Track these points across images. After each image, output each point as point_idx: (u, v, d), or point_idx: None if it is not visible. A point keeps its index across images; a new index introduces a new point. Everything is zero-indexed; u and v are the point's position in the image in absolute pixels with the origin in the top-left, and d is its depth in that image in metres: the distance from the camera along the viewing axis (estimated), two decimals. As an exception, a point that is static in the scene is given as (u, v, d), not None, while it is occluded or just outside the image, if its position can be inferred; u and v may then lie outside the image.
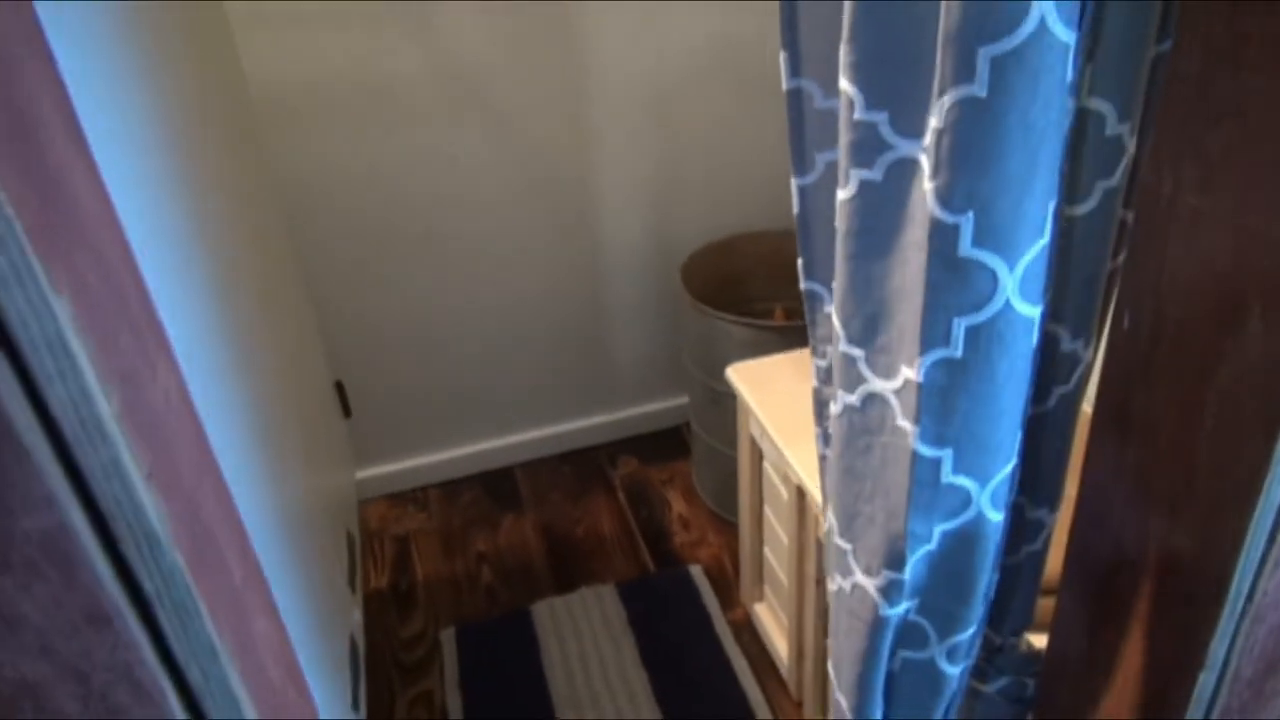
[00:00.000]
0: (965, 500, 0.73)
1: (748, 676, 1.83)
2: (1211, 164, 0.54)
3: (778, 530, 1.72)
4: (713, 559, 2.12)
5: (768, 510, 1.76)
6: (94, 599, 0.42)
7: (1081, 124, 0.68)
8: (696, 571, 2.08)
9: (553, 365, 2.37)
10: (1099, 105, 0.67)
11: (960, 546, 0.75)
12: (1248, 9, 0.50)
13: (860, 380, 0.75)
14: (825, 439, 0.89)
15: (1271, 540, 0.66)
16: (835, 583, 0.86)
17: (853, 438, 0.77)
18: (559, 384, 2.41)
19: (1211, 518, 0.63)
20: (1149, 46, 0.66)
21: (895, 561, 0.76)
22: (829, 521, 0.85)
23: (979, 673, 0.95)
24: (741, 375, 1.68)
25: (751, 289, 2.24)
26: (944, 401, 0.69)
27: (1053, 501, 0.84)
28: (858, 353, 0.74)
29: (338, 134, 1.93)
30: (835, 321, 0.75)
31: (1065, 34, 0.56)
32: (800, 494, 1.52)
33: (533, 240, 2.19)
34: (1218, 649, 0.70)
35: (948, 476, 0.72)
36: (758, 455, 1.72)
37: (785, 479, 1.59)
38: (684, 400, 2.46)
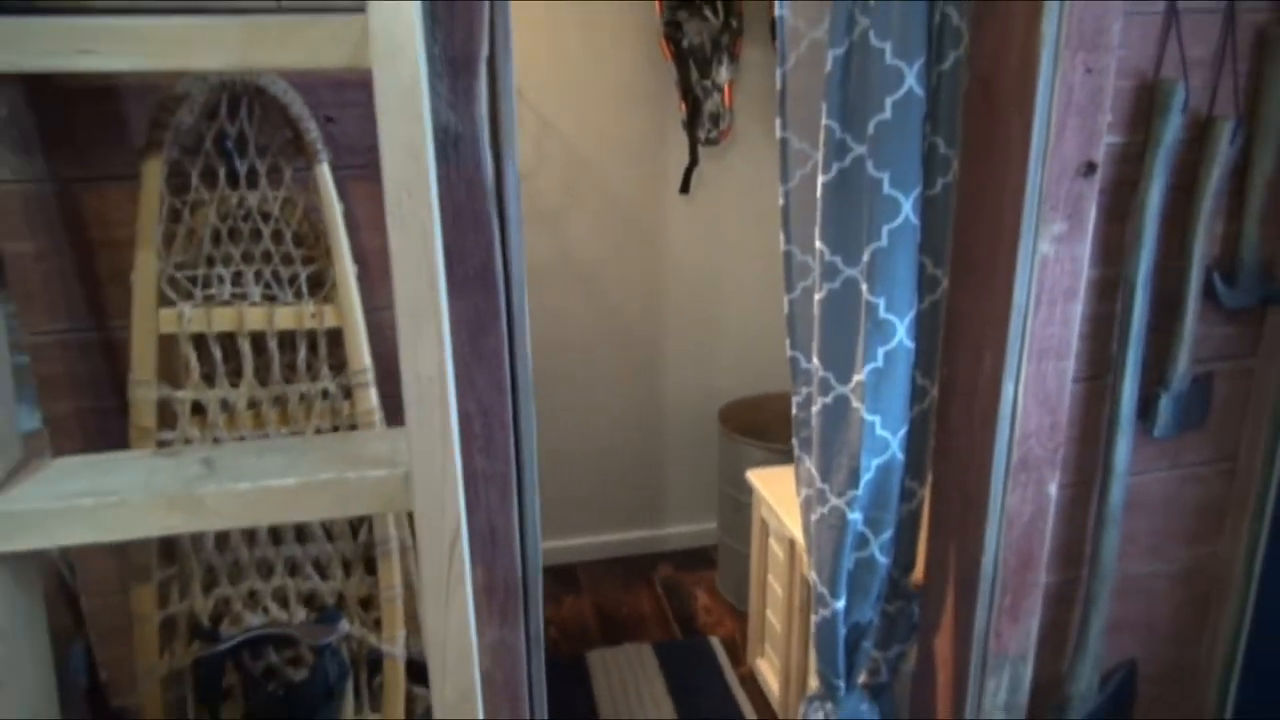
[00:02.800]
0: (886, 445, 1.42)
1: (750, 711, 2.38)
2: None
3: (775, 588, 2.34)
4: (727, 634, 2.71)
5: (770, 577, 2.39)
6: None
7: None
8: (714, 640, 2.67)
9: (611, 484, 3.06)
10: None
11: (883, 475, 1.44)
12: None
13: (831, 388, 1.46)
14: (803, 443, 1.58)
15: (1007, 470, 1.36)
16: (817, 512, 1.53)
17: (828, 421, 1.47)
18: (615, 500, 3.08)
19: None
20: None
21: (854, 483, 1.44)
22: (812, 476, 1.53)
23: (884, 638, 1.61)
24: (757, 476, 2.38)
25: (773, 435, 2.96)
26: (875, 390, 1.40)
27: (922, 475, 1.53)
28: (829, 374, 1.46)
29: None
30: (816, 362, 1.48)
31: (914, 221, 1.33)
32: (792, 546, 2.17)
33: (606, 378, 2.95)
34: (989, 542, 1.38)
35: (879, 430, 1.42)
36: (765, 531, 2.37)
37: (782, 538, 2.24)
38: (714, 525, 3.11)
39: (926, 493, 1.56)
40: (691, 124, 2.74)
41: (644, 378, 2.99)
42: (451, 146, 1.08)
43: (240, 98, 1.03)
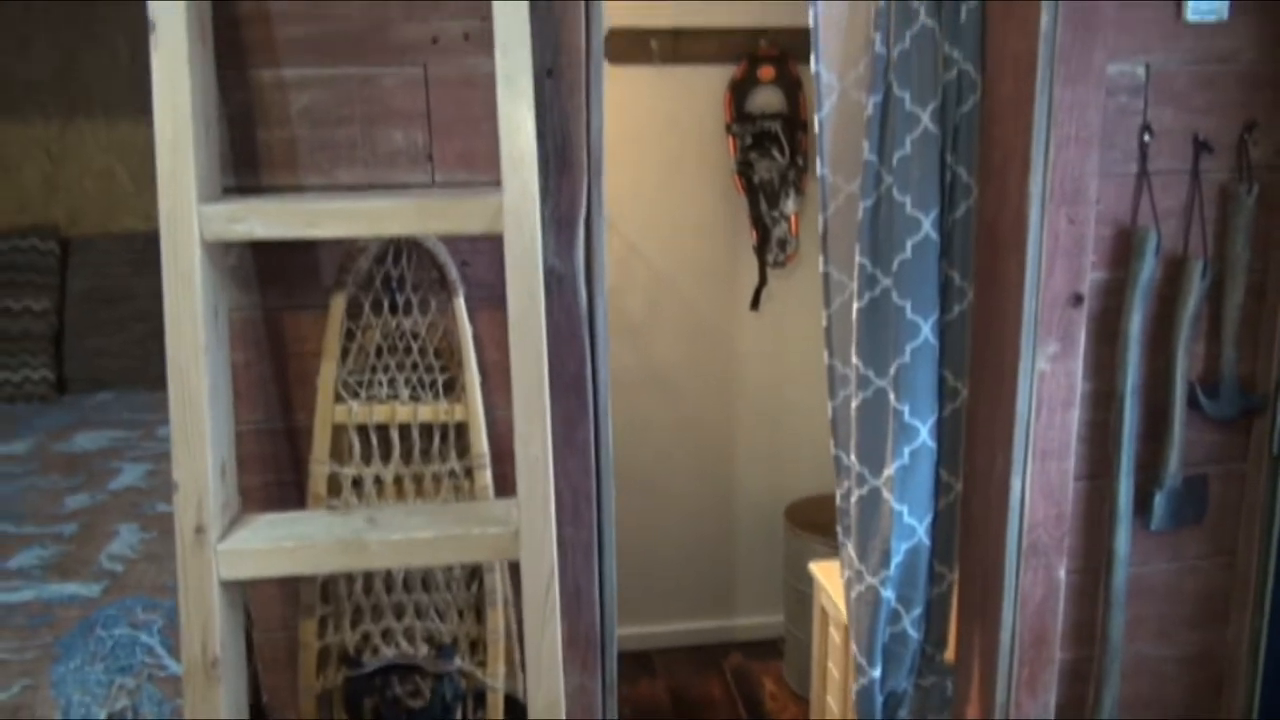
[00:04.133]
0: (913, 531, 1.66)
1: (813, 790, 2.54)
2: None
3: (834, 672, 2.53)
4: (791, 718, 2.88)
5: (830, 663, 2.58)
6: (618, 458, 1.43)
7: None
8: (780, 724, 2.85)
9: (686, 575, 3.29)
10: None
11: (912, 557, 1.67)
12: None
13: (866, 481, 1.72)
14: (844, 530, 1.82)
15: (1019, 555, 1.58)
16: (855, 590, 1.76)
17: (863, 510, 1.72)
18: (689, 590, 3.31)
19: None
20: (984, 352, 1.69)
21: (886, 563, 1.68)
22: (852, 559, 1.77)
23: (920, 675, 1.80)
24: (819, 568, 2.60)
25: (834, 531, 3.17)
26: (902, 483, 1.65)
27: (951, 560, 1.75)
28: (864, 469, 1.72)
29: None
30: (853, 459, 1.74)
31: (933, 341, 1.60)
32: (847, 632, 2.37)
33: (682, 477, 3.22)
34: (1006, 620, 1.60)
35: (906, 518, 1.66)
36: (825, 619, 2.58)
37: (839, 625, 2.44)
38: (781, 616, 3.30)
39: (956, 577, 1.78)
40: (761, 249, 3.07)
41: (717, 477, 3.25)
42: (556, 284, 1.42)
43: (403, 248, 1.39)
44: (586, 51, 1.37)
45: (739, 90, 3.00)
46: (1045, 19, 1.44)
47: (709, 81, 3.00)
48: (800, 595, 2.95)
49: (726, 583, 3.35)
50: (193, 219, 1.15)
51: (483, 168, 1.39)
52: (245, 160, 1.35)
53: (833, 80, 1.69)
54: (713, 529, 3.29)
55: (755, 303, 3.13)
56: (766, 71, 2.98)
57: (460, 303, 1.40)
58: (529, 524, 1.21)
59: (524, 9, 1.20)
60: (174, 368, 1.15)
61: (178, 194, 1.14)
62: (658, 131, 3.02)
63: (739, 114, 3.01)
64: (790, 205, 3.02)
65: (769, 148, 2.99)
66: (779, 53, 2.98)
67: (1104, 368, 1.60)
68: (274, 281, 1.39)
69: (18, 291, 2.62)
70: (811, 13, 1.65)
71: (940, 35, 1.61)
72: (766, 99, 3.02)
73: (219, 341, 1.22)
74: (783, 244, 3.05)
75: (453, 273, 1.39)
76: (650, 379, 3.15)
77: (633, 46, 2.94)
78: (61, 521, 1.74)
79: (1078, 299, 1.54)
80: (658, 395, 3.16)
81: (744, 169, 3.01)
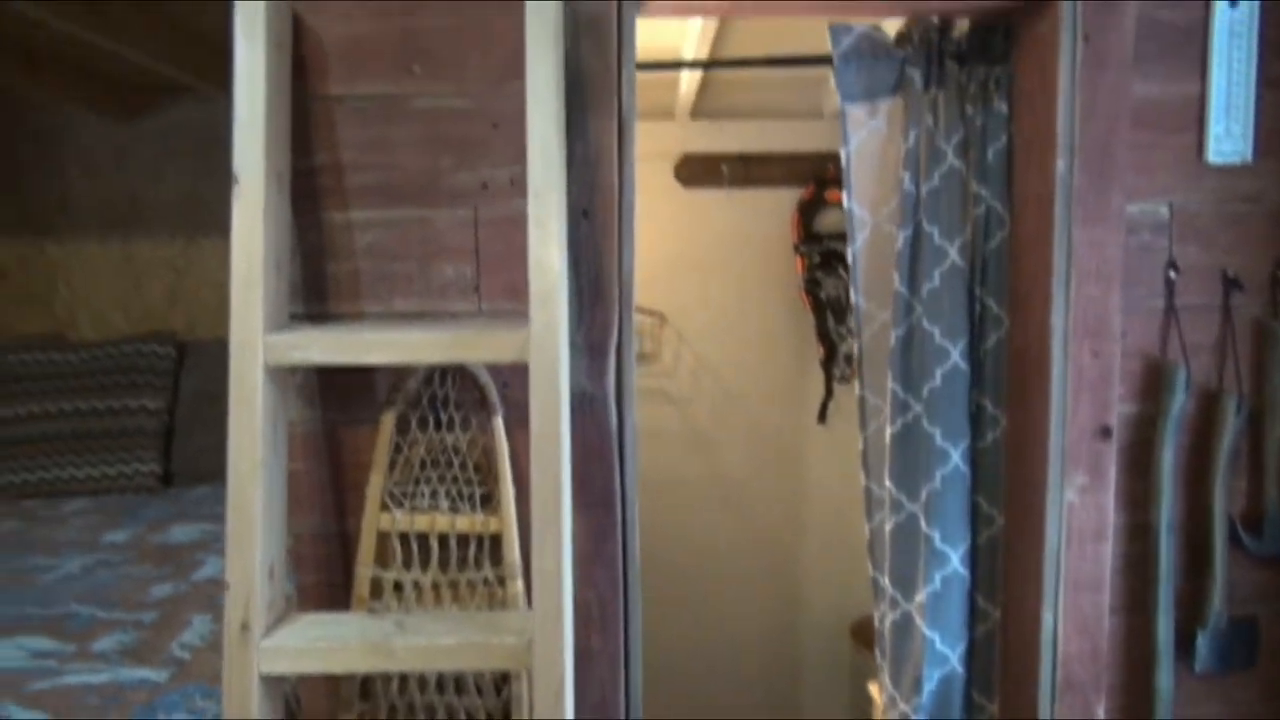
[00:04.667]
0: (946, 659, 1.65)
1: None
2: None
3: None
4: None
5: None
6: (641, 574, 1.49)
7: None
8: None
9: (751, 685, 3.26)
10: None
11: (945, 686, 1.66)
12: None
13: (898, 605, 1.72)
14: (881, 653, 1.82)
15: (1054, 690, 1.55)
16: (891, 715, 1.75)
17: (896, 635, 1.73)
18: (753, 699, 3.27)
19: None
20: (1018, 479, 1.70)
21: (918, 690, 1.67)
22: (886, 683, 1.76)
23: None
24: (876, 687, 2.56)
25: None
26: (934, 610, 1.65)
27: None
28: (897, 593, 1.73)
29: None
30: (887, 582, 1.75)
31: (963, 468, 1.62)
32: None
33: (747, 588, 3.22)
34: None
35: (938, 646, 1.66)
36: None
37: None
38: (847, 738, 3.22)
39: (996, 709, 1.75)
40: (828, 364, 3.12)
41: (782, 590, 3.24)
42: (588, 405, 1.52)
43: (449, 371, 1.52)
44: (619, 194, 1.50)
45: (807, 211, 3.11)
46: (1061, 164, 1.50)
47: (777, 203, 3.12)
48: (863, 713, 2.88)
49: (790, 699, 3.29)
50: (258, 347, 1.30)
51: (524, 297, 1.51)
52: (315, 290, 1.52)
53: (865, 215, 1.77)
54: (777, 644, 3.26)
55: (822, 416, 3.16)
56: (834, 194, 3.09)
57: (499, 422, 1.51)
58: (542, 634, 1.28)
59: (555, 161, 1.34)
60: (233, 478, 1.29)
61: (247, 325, 1.30)
62: (728, 250, 3.15)
63: (807, 234, 3.11)
64: (857, 322, 3.08)
65: (835, 266, 3.07)
66: (846, 176, 3.09)
67: (1137, 501, 1.59)
68: (334, 398, 1.54)
69: (136, 391, 2.88)
70: (844, 153, 1.75)
71: (968, 174, 1.68)
72: (834, 220, 3.11)
73: (275, 455, 1.35)
74: (849, 359, 3.10)
75: (493, 394, 1.51)
76: (717, 490, 3.20)
77: (705, 171, 3.10)
78: (145, 609, 1.90)
79: (1106, 431, 1.55)
80: (724, 506, 3.20)
81: (811, 286, 3.10)
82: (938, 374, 1.67)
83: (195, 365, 3.02)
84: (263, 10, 1.34)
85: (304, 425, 1.53)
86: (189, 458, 2.93)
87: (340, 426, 1.55)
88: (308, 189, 1.49)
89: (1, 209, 3.06)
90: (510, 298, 1.52)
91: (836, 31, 1.70)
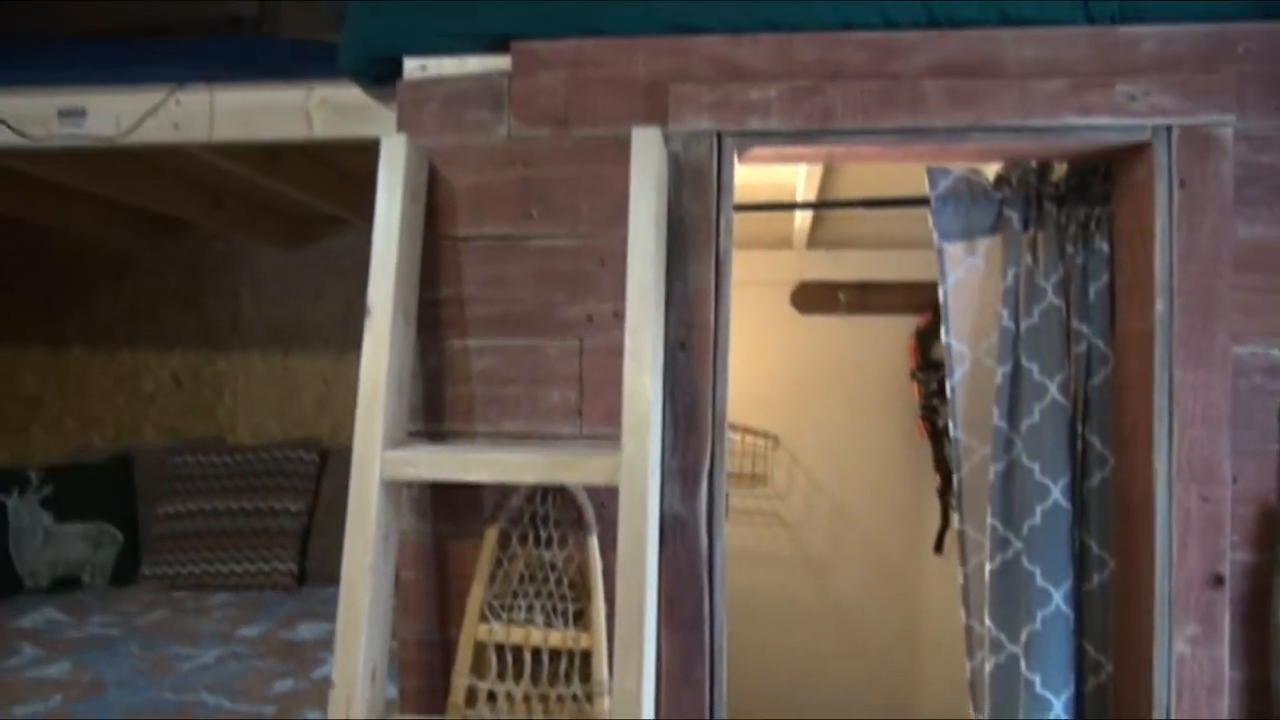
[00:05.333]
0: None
1: None
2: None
3: None
4: None
5: None
6: (726, 700, 1.51)
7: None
8: None
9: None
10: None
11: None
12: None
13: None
14: None
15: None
16: None
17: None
18: None
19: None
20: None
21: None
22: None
23: None
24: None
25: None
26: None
27: None
28: (1002, 739, 1.66)
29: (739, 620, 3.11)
30: (994, 725, 1.69)
31: (1065, 609, 1.58)
32: None
33: (859, 715, 3.11)
34: None
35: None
36: None
37: None
38: None
39: None
40: (944, 492, 3.06)
41: (892, 708, 3.11)
42: (679, 529, 1.57)
43: (549, 490, 1.61)
44: (715, 329, 1.58)
45: (924, 339, 3.12)
46: (1160, 305, 1.50)
47: (894, 330, 3.15)
48: None
49: None
50: (376, 462, 1.43)
51: (620, 422, 1.61)
52: (433, 410, 1.65)
53: (964, 350, 1.79)
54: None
55: (939, 546, 3.08)
56: (952, 321, 3.09)
57: (593, 541, 1.58)
58: (621, 755, 1.31)
59: (652, 298, 1.44)
60: (345, 582, 1.40)
61: (367, 442, 1.44)
62: (843, 375, 3.18)
63: (924, 361, 3.11)
64: (976, 451, 3.02)
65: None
66: (965, 304, 3.09)
67: (1256, 656, 1.50)
68: (444, 511, 1.65)
69: (281, 494, 3.11)
70: (942, 290, 1.79)
71: (1068, 312, 1.69)
72: (953, 347, 3.10)
73: (385, 562, 1.47)
74: (968, 489, 3.03)
75: (589, 513, 1.59)
76: (828, 615, 3.14)
77: (822, 298, 3.17)
78: (267, 702, 2.03)
79: (1218, 580, 1.48)
80: (836, 632, 3.14)
81: (928, 414, 3.07)
82: (1038, 511, 1.64)
83: (335, 470, 3.24)
84: (402, 165, 1.53)
85: (415, 535, 1.65)
86: (323, 558, 3.12)
87: (448, 538, 1.66)
88: (432, 318, 1.65)
89: (184, 326, 3.43)
90: (610, 422, 1.62)
91: (934, 174, 1.77)
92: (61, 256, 3.43)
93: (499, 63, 1.66)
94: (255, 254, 3.40)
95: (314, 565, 3.11)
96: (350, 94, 1.83)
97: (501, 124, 1.65)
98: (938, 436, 3.07)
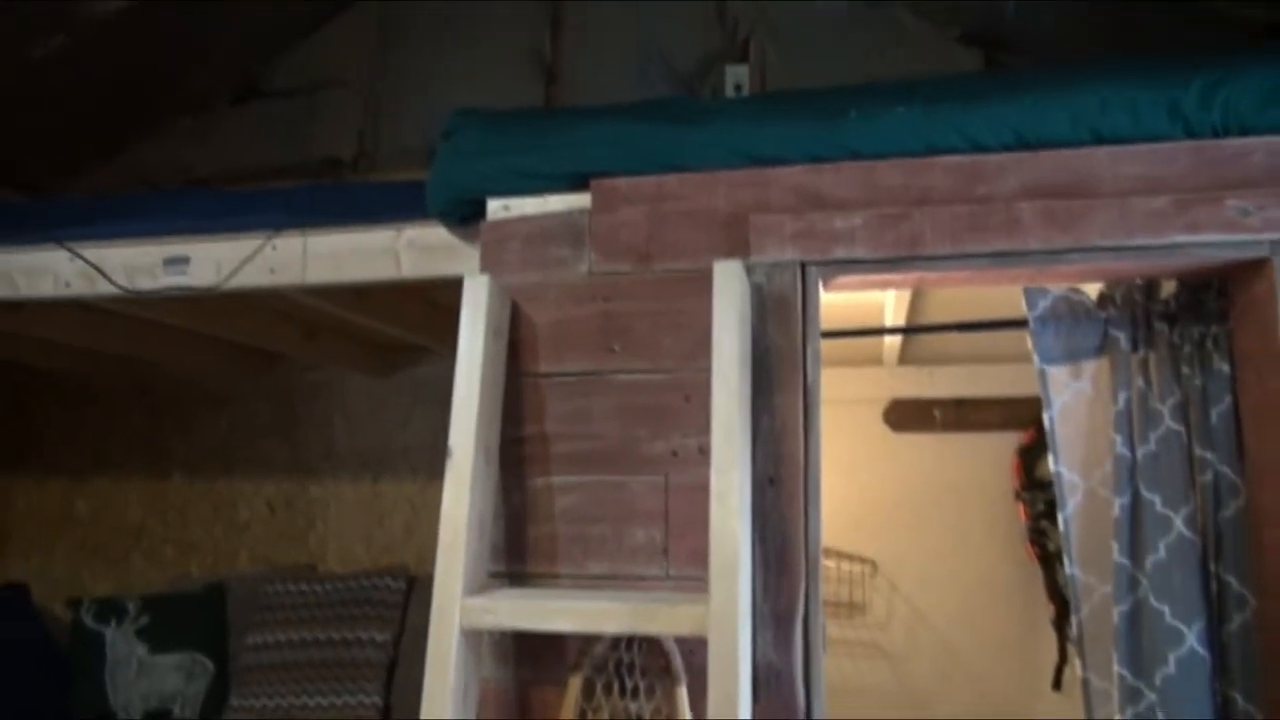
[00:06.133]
0: None
1: None
2: None
3: None
4: None
5: None
6: None
7: None
8: None
9: None
10: None
11: None
12: None
13: None
14: None
15: None
16: None
17: None
18: None
19: None
20: None
21: None
22: None
23: None
24: None
25: None
26: None
27: None
28: None
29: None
30: None
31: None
32: None
33: None
34: None
35: None
36: None
37: None
38: None
39: None
40: (1060, 623, 2.85)
41: None
42: (773, 680, 1.47)
43: (635, 638, 1.54)
44: (805, 464, 1.51)
45: (1028, 456, 2.97)
46: (1296, 430, 1.38)
47: (994, 447, 3.01)
48: None
49: None
50: (455, 611, 1.39)
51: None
52: (515, 550, 1.61)
53: (1076, 479, 1.68)
54: None
55: (1057, 682, 2.85)
56: (1057, 438, 2.93)
57: (682, 691, 1.49)
58: None
59: (738, 435, 1.39)
60: (424, 737, 1.34)
61: (447, 589, 1.40)
62: (942, 496, 3.03)
63: (1029, 480, 2.95)
64: (1092, 577, 2.82)
65: (1064, 515, 2.87)
66: (1069, 420, 2.94)
67: None
68: (526, 657, 1.58)
69: (367, 623, 3.08)
70: (1047, 416, 1.69)
71: (1190, 438, 1.57)
72: (1059, 465, 2.94)
73: (465, 712, 1.40)
74: (1086, 619, 2.81)
75: (677, 661, 1.50)
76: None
77: (916, 416, 3.06)
78: None
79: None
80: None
81: (1036, 536, 2.90)
82: (1171, 659, 1.49)
83: (421, 598, 3.20)
84: (485, 303, 1.53)
85: (496, 683, 1.58)
86: (407, 692, 3.05)
87: (530, 686, 1.58)
88: (515, 456, 1.62)
89: (278, 454, 3.50)
90: (697, 563, 1.54)
91: (1032, 295, 1.69)
92: (164, 389, 3.57)
93: (579, 200, 1.68)
94: (346, 382, 3.47)
95: (399, 699, 3.04)
96: (437, 234, 1.86)
97: (582, 260, 1.65)
98: (1049, 561, 2.88)
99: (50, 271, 2.00)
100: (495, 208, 1.71)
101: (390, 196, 2.03)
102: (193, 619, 3.18)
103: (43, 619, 3.07)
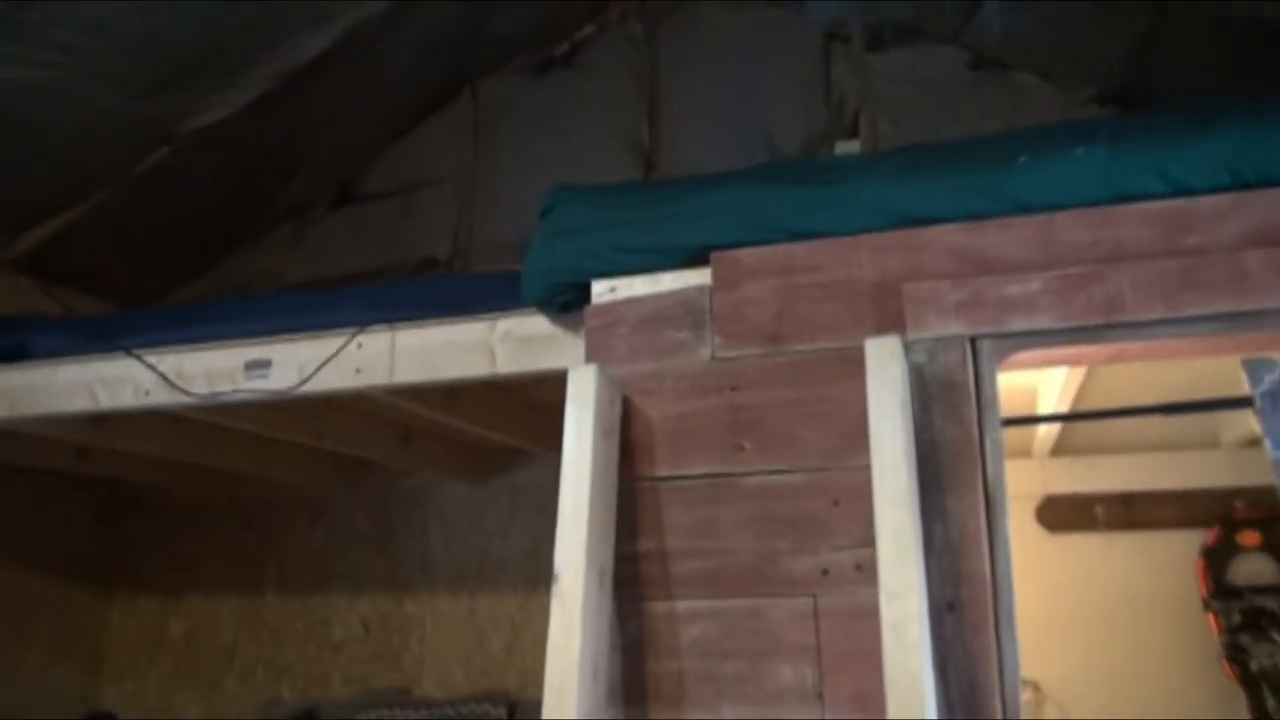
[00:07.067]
0: None
1: None
2: None
3: None
4: None
5: None
6: None
7: None
8: None
9: None
10: None
11: None
12: None
13: None
14: None
15: None
16: None
17: None
18: None
19: None
20: None
21: None
22: None
23: None
24: None
25: None
26: None
27: None
28: None
29: None
30: None
31: None
32: None
33: None
34: None
35: None
36: None
37: None
38: None
39: None
40: (1276, 760, 2.39)
41: None
42: None
43: (786, 804, 1.24)
44: (992, 583, 1.22)
45: (1215, 558, 2.56)
46: None
47: (1172, 549, 2.61)
48: None
49: None
50: (567, 776, 1.12)
51: (878, 710, 1.23)
52: (635, 692, 1.34)
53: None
54: None
55: (1277, 836, 2.37)
56: (1249, 537, 2.52)
57: None
58: None
59: (912, 550, 1.11)
60: None
61: (557, 748, 1.14)
62: (1113, 607, 2.63)
63: (1219, 586, 2.53)
64: (1311, 705, 2.36)
65: (1266, 629, 2.44)
66: (1263, 515, 2.53)
67: None
68: None
69: (466, 756, 2.81)
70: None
71: None
72: (1255, 568, 2.52)
73: None
74: (1309, 758, 2.35)
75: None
76: None
77: (1075, 514, 2.70)
78: None
79: None
80: None
81: (1235, 654, 2.46)
82: None
83: (524, 726, 2.93)
84: (593, 397, 1.31)
85: None
86: (512, 833, 2.75)
87: None
88: (630, 576, 1.37)
89: (373, 567, 3.31)
90: (860, 709, 1.25)
91: (1255, 368, 1.38)
92: (256, 500, 3.45)
93: (697, 277, 1.47)
94: (443, 490, 3.29)
95: (502, 843, 2.75)
96: (535, 324, 1.67)
97: (703, 344, 1.43)
98: (1253, 684, 2.43)
99: (130, 381, 1.87)
100: (600, 290, 1.51)
101: (484, 287, 1.86)
102: (283, 749, 2.97)
103: (129, 751, 2.90)
